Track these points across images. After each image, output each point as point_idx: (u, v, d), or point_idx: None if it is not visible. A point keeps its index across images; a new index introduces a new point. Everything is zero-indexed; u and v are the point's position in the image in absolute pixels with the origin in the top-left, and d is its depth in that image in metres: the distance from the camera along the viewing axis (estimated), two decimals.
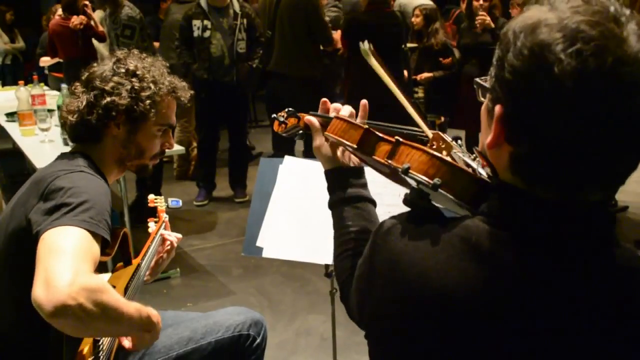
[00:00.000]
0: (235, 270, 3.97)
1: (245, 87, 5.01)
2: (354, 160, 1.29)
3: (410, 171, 0.92)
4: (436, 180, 0.88)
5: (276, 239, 2.02)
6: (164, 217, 2.06)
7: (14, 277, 1.47)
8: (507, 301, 0.80)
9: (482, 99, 0.91)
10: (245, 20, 4.86)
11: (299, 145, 5.01)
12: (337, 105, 1.32)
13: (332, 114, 1.28)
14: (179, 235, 2.05)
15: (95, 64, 1.73)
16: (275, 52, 4.84)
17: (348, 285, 1.12)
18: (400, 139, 1.02)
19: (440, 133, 1.06)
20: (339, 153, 1.28)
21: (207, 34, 4.77)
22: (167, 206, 2.13)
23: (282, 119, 1.47)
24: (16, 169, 5.88)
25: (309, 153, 4.74)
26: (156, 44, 5.77)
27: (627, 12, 0.76)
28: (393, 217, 0.95)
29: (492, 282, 0.81)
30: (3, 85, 6.69)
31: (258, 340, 1.92)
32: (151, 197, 2.10)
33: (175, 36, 5.06)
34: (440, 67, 5.51)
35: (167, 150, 1.82)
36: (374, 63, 1.21)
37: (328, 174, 1.28)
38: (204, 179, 5.29)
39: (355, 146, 1.12)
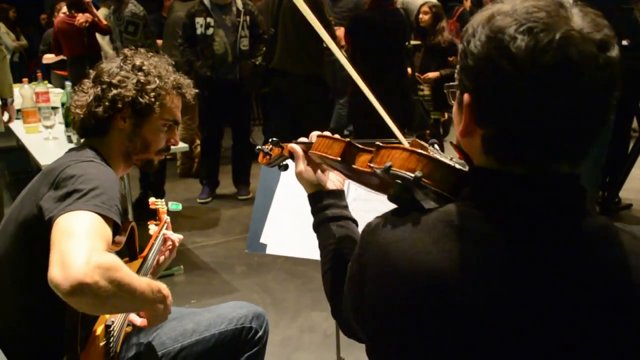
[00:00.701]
0: (238, 267, 3.97)
1: (248, 84, 5.02)
2: (336, 184, 1.37)
3: (392, 168, 0.97)
4: (417, 173, 0.93)
5: (280, 236, 2.03)
6: (166, 218, 2.07)
7: (27, 265, 1.49)
8: (492, 273, 0.84)
9: (453, 101, 0.97)
10: (248, 18, 4.86)
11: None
12: (317, 132, 1.39)
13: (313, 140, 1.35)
14: (180, 237, 2.07)
15: (103, 61, 1.77)
16: (278, 49, 4.84)
17: (338, 298, 1.15)
18: (380, 144, 1.06)
19: (418, 140, 1.11)
20: (320, 177, 1.36)
21: (210, 31, 4.77)
22: (168, 210, 2.14)
23: (266, 150, 1.54)
24: (20, 166, 5.90)
25: None
26: (159, 42, 5.78)
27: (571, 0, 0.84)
28: (378, 216, 0.99)
29: (476, 258, 0.85)
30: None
31: (260, 333, 1.95)
32: (152, 200, 2.12)
33: (178, 34, 5.07)
34: (447, 65, 5.50)
35: (172, 147, 1.84)
36: (301, 4, 1.25)
37: (310, 197, 1.37)
38: (207, 176, 5.30)
39: (339, 159, 1.19)
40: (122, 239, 1.56)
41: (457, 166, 0.98)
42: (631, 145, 4.65)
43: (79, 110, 1.69)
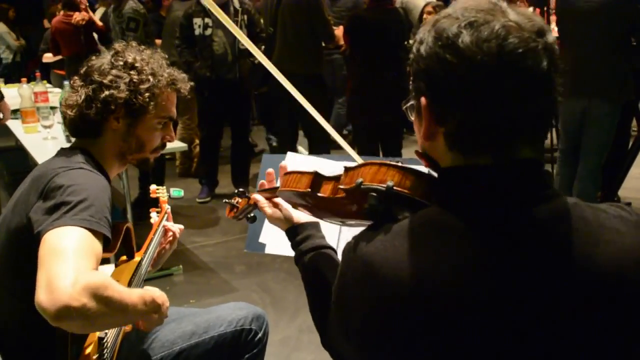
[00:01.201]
0: (237, 267, 3.97)
1: (248, 83, 5.01)
2: (310, 217, 1.38)
3: (364, 183, 1.00)
4: (389, 182, 0.97)
5: (279, 236, 2.02)
6: (167, 207, 2.05)
7: (18, 276, 1.48)
8: (472, 268, 0.87)
9: (412, 118, 1.01)
10: (245, 17, 4.85)
11: (302, 143, 5.02)
12: (282, 163, 1.44)
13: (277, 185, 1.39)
14: (181, 227, 2.05)
15: (93, 57, 1.71)
16: (277, 48, 4.83)
17: (324, 326, 1.16)
18: (347, 166, 1.09)
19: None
20: (293, 213, 1.39)
21: (208, 31, 4.76)
22: (169, 196, 2.12)
23: (234, 203, 1.57)
24: (19, 166, 5.88)
25: (312, 150, 4.73)
26: (158, 42, 5.77)
27: (504, 2, 0.91)
28: (355, 235, 1.00)
29: (454, 255, 0.87)
30: (12, 82, 6.70)
31: (260, 335, 1.94)
32: (153, 187, 2.09)
33: (177, 33, 5.06)
34: None
35: (168, 144, 1.81)
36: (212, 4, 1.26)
37: (287, 233, 1.40)
38: (206, 176, 5.29)
39: (309, 190, 1.19)
40: (114, 246, 1.52)
41: (426, 172, 1.00)
42: (630, 144, 4.65)
43: (70, 110, 1.63)
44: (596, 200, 4.45)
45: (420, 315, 0.86)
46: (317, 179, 1.20)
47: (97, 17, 5.91)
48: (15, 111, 4.39)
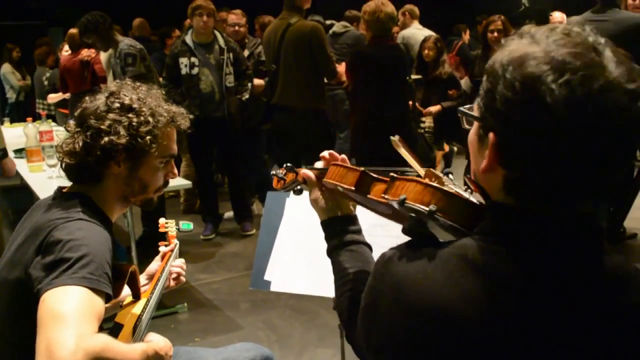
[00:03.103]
0: (243, 304, 3.94)
1: (236, 121, 5.03)
2: (349, 209, 1.37)
3: (407, 201, 0.97)
4: (432, 207, 0.94)
5: (284, 273, 2.01)
6: (175, 242, 2.04)
7: (15, 327, 1.45)
8: (506, 312, 0.85)
9: (467, 126, 0.97)
10: (231, 55, 4.90)
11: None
12: (332, 152, 1.40)
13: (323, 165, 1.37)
14: (182, 261, 2.02)
15: (87, 98, 1.65)
16: (280, 85, 4.87)
17: (351, 323, 1.14)
18: (395, 175, 1.07)
19: (432, 170, 1.12)
20: (333, 203, 1.36)
21: (195, 71, 4.80)
22: (178, 229, 2.10)
23: (280, 175, 1.53)
24: (24, 204, 5.88)
25: None
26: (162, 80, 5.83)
27: (602, 40, 0.85)
28: (393, 248, 0.99)
29: (489, 294, 0.85)
30: (17, 121, 6.77)
31: None
32: (162, 221, 2.05)
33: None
34: (448, 97, 5.55)
35: (172, 181, 1.78)
36: (403, 152, 1.25)
37: (324, 223, 1.36)
38: (209, 213, 5.30)
39: (353, 188, 1.19)
40: (117, 293, 1.49)
41: (472, 199, 0.98)
42: (635, 173, 4.64)
43: (67, 158, 1.58)
44: None
45: (443, 353, 0.86)
46: (363, 178, 1.19)
47: (103, 56, 5.99)
48: (20, 150, 4.42)
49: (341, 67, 4.87)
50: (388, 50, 4.47)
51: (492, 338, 0.84)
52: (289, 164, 1.53)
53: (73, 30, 6.06)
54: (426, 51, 5.67)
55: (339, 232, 1.33)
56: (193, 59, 4.80)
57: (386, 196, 1.06)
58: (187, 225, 2.17)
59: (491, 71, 0.88)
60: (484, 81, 0.90)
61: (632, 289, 0.88)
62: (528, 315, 0.84)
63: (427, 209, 0.94)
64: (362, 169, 1.21)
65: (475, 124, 0.94)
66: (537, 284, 0.85)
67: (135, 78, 4.43)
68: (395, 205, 1.00)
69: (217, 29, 4.97)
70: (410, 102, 5.21)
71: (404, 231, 0.99)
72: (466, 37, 8.30)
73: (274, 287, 1.98)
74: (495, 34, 5.09)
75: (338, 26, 6.27)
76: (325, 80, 4.88)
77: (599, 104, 0.79)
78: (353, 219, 1.36)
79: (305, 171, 1.42)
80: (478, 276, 0.86)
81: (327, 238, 1.35)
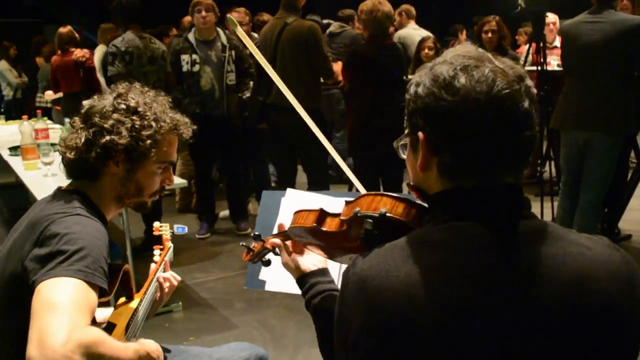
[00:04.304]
0: (237, 303, 3.94)
1: (236, 119, 5.01)
2: (318, 265, 1.50)
3: (360, 212, 1.13)
4: (382, 210, 1.10)
5: (278, 272, 2.00)
6: (169, 245, 2.03)
7: (9, 321, 1.46)
8: (456, 276, 0.96)
9: (404, 155, 1.15)
10: (233, 52, 4.89)
11: (302, 177, 5.01)
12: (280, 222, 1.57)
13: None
14: (176, 276, 1.97)
15: (95, 97, 1.69)
16: (276, 84, 4.86)
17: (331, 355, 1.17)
18: (347, 200, 1.23)
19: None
20: (303, 262, 1.49)
21: (196, 68, 4.79)
22: (173, 233, 2.10)
23: (250, 247, 1.64)
24: (19, 202, 5.87)
25: (312, 185, 4.73)
26: None
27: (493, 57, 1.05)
28: (354, 256, 1.09)
29: (441, 266, 0.96)
30: (12, 119, 6.75)
31: None
32: (156, 224, 2.06)
33: None
34: None
35: (167, 185, 1.78)
36: (241, 32, 1.32)
37: (298, 281, 1.50)
38: (205, 212, 5.29)
39: (315, 225, 1.29)
40: (111, 291, 1.48)
41: (417, 202, 1.12)
42: (629, 176, 4.66)
43: (68, 152, 1.61)
44: (597, 233, 4.43)
45: (413, 320, 0.93)
46: (322, 215, 1.30)
47: (96, 55, 5.95)
48: (15, 148, 4.40)
49: (337, 66, 4.87)
50: (385, 50, 4.46)
51: (448, 299, 0.94)
52: (256, 233, 1.63)
53: (62, 30, 6.03)
54: (426, 50, 5.67)
55: (313, 284, 1.45)
56: (194, 56, 4.79)
57: (342, 217, 1.22)
58: (181, 228, 2.18)
59: (410, 86, 1.07)
60: (406, 96, 1.08)
61: (548, 240, 1.00)
62: (472, 276, 0.95)
63: (378, 212, 1.10)
64: (320, 207, 1.31)
65: (408, 141, 1.10)
66: (474, 247, 0.98)
67: (114, 77, 4.40)
68: (352, 219, 1.15)
69: (223, 27, 4.94)
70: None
71: (363, 238, 1.11)
72: (463, 37, 8.30)
73: (268, 287, 1.98)
74: (490, 34, 5.09)
75: (335, 26, 6.27)
76: (322, 80, 4.88)
77: (493, 83, 0.98)
78: (324, 271, 1.49)
79: (271, 239, 1.56)
80: (429, 252, 0.98)
81: (303, 294, 1.47)
